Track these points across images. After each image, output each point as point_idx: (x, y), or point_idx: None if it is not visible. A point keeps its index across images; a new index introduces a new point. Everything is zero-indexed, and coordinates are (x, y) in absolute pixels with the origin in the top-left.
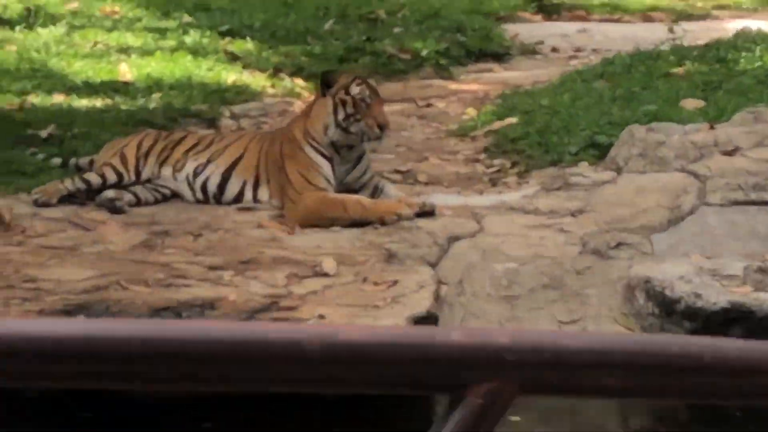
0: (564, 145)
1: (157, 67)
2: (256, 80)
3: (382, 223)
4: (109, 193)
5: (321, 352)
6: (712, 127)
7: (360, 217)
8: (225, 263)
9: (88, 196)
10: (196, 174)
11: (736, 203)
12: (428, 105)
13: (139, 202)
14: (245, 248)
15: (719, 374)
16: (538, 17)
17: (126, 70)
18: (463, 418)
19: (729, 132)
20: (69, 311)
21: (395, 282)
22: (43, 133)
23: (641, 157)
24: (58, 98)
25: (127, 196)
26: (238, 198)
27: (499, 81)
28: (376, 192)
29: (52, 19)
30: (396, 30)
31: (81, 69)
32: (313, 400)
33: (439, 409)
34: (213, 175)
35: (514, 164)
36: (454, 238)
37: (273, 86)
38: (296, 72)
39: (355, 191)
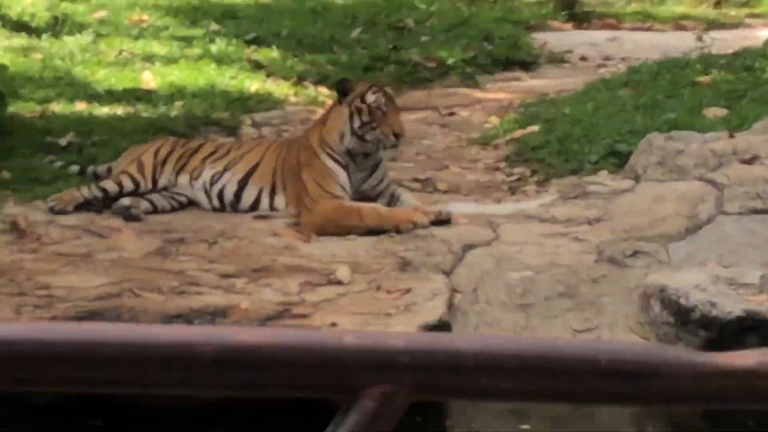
0: (584, 154)
1: (180, 75)
2: (280, 88)
3: (398, 231)
4: (125, 201)
5: (214, 355)
6: (731, 136)
7: (376, 225)
8: (238, 271)
9: (104, 203)
10: (212, 182)
11: (755, 212)
12: (451, 113)
13: (155, 210)
14: (259, 256)
15: (616, 378)
16: (569, 26)
17: (149, 78)
18: (357, 422)
19: (748, 140)
20: (81, 318)
21: (408, 290)
22: (63, 141)
23: (660, 166)
24: (80, 106)
25: (144, 204)
26: (255, 206)
27: (525, 89)
28: (392, 200)
29: (79, 28)
30: (423, 38)
31: (104, 77)
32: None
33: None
34: (229, 183)
35: (534, 173)
36: (469, 247)
37: (296, 94)
38: (321, 80)
39: (372, 199)
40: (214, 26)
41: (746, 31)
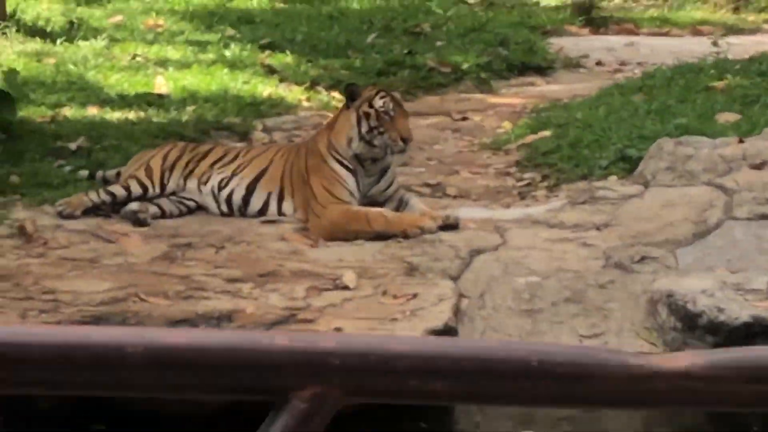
0: (595, 159)
1: (193, 80)
2: (293, 93)
3: (405, 236)
4: (133, 206)
5: (143, 356)
6: (741, 141)
7: (383, 230)
8: (245, 276)
9: (113, 208)
10: (221, 186)
11: (763, 217)
12: (464, 118)
13: (164, 215)
14: (266, 261)
15: (548, 379)
16: (586, 31)
17: (162, 83)
18: (288, 423)
19: (758, 146)
20: (86, 323)
21: (415, 295)
22: (72, 146)
23: (669, 171)
24: (92, 111)
25: (152, 209)
26: (263, 210)
27: (540, 95)
28: (401, 205)
29: (94, 33)
30: (438, 43)
31: (117, 82)
32: None
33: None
34: (238, 188)
35: (544, 178)
36: (476, 252)
37: (309, 99)
38: (334, 85)
39: (380, 204)
40: (230, 31)
41: (765, 36)
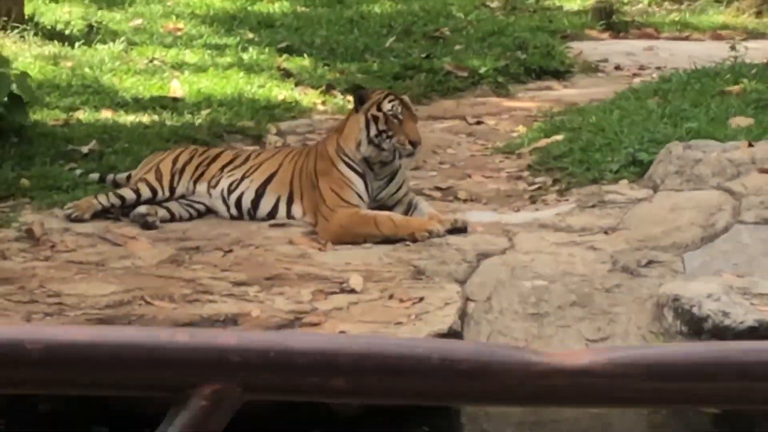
0: (606, 163)
1: (208, 83)
2: (308, 97)
3: (414, 239)
4: (142, 209)
5: (42, 353)
6: (750, 145)
7: (391, 234)
8: (251, 279)
9: (122, 211)
10: (230, 190)
11: None
12: (478, 122)
13: (173, 218)
14: (273, 264)
15: (448, 376)
16: (606, 35)
17: (177, 87)
18: (187, 420)
19: (767, 149)
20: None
21: (421, 299)
22: (84, 149)
23: (678, 175)
24: (105, 114)
25: (161, 212)
26: (272, 214)
27: (556, 99)
28: (410, 209)
29: (113, 36)
30: (457, 47)
31: (132, 85)
32: None
33: None
34: (247, 191)
35: (555, 182)
36: (483, 255)
37: (324, 103)
38: (350, 89)
39: (390, 208)
40: (249, 35)
41: None
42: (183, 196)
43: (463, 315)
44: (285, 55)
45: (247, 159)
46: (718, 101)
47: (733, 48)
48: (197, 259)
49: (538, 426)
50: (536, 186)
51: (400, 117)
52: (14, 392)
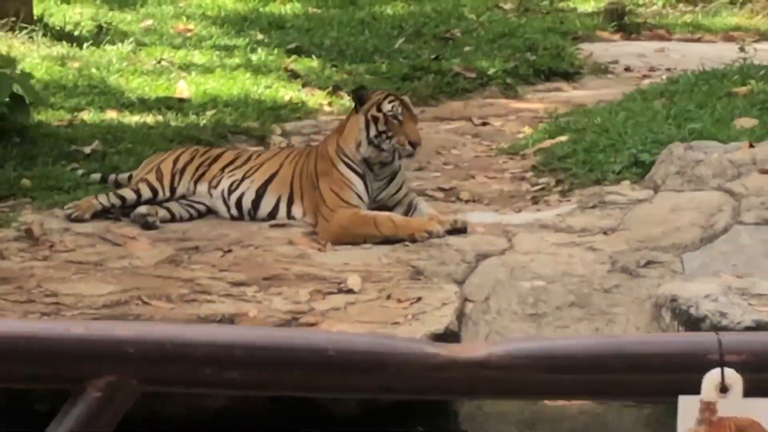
0: (609, 164)
1: (215, 84)
2: (315, 98)
3: (413, 240)
4: (142, 209)
5: None
6: (751, 146)
7: (391, 235)
8: (249, 279)
9: (123, 211)
10: (231, 190)
11: None
12: (484, 123)
13: (173, 218)
14: (271, 264)
15: (345, 368)
16: (618, 37)
17: (184, 88)
18: (83, 412)
19: None
20: None
21: (418, 299)
22: (87, 149)
23: (678, 176)
24: (111, 115)
25: (161, 212)
26: (273, 214)
27: (565, 100)
28: (410, 209)
29: (123, 37)
30: (466, 49)
31: (138, 86)
32: None
33: None
34: (248, 191)
35: (558, 182)
36: (482, 256)
37: (330, 104)
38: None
39: (390, 208)
40: (259, 36)
41: None
42: (184, 197)
43: (460, 315)
44: (294, 56)
45: (248, 159)
46: (725, 102)
47: (742, 49)
48: (196, 259)
49: (536, 425)
50: (539, 187)
51: (400, 118)
52: None
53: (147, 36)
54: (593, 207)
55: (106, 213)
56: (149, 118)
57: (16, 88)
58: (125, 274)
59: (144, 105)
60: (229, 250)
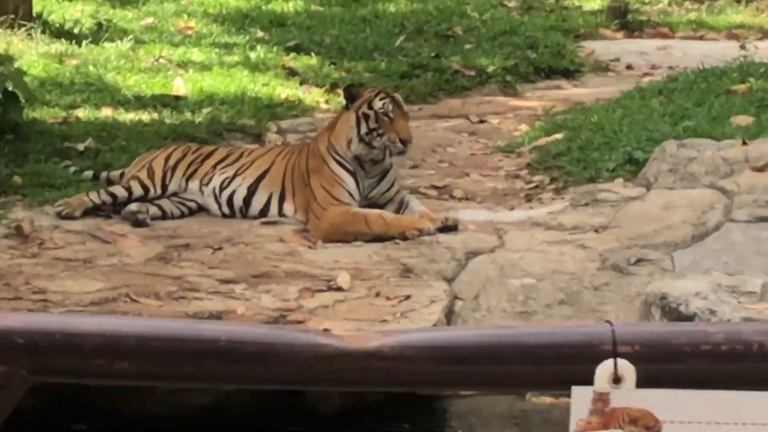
0: (603, 161)
1: (212, 82)
2: (312, 96)
3: (404, 238)
4: (133, 207)
5: None
6: (744, 143)
7: (382, 232)
8: (238, 277)
9: (114, 209)
10: (222, 187)
11: (762, 220)
12: (481, 121)
13: (164, 216)
14: (261, 262)
15: (236, 358)
16: (620, 34)
17: (181, 85)
18: None
19: (761, 148)
20: None
21: (407, 297)
22: (80, 146)
23: (671, 173)
24: (106, 112)
25: (152, 210)
26: (264, 211)
27: (563, 98)
28: (401, 207)
29: (122, 34)
30: (467, 46)
31: (135, 83)
32: None
33: None
34: (239, 189)
35: (552, 180)
36: (473, 254)
37: (327, 102)
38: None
39: (381, 206)
40: (259, 33)
41: None
42: (175, 194)
43: (449, 313)
44: (293, 54)
45: (239, 157)
46: (722, 100)
47: (742, 47)
48: (186, 256)
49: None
50: (533, 185)
51: (391, 115)
52: None
53: (147, 33)
54: (585, 205)
55: (97, 210)
56: (144, 116)
57: (10, 86)
58: (114, 272)
59: (140, 102)
60: (219, 248)
